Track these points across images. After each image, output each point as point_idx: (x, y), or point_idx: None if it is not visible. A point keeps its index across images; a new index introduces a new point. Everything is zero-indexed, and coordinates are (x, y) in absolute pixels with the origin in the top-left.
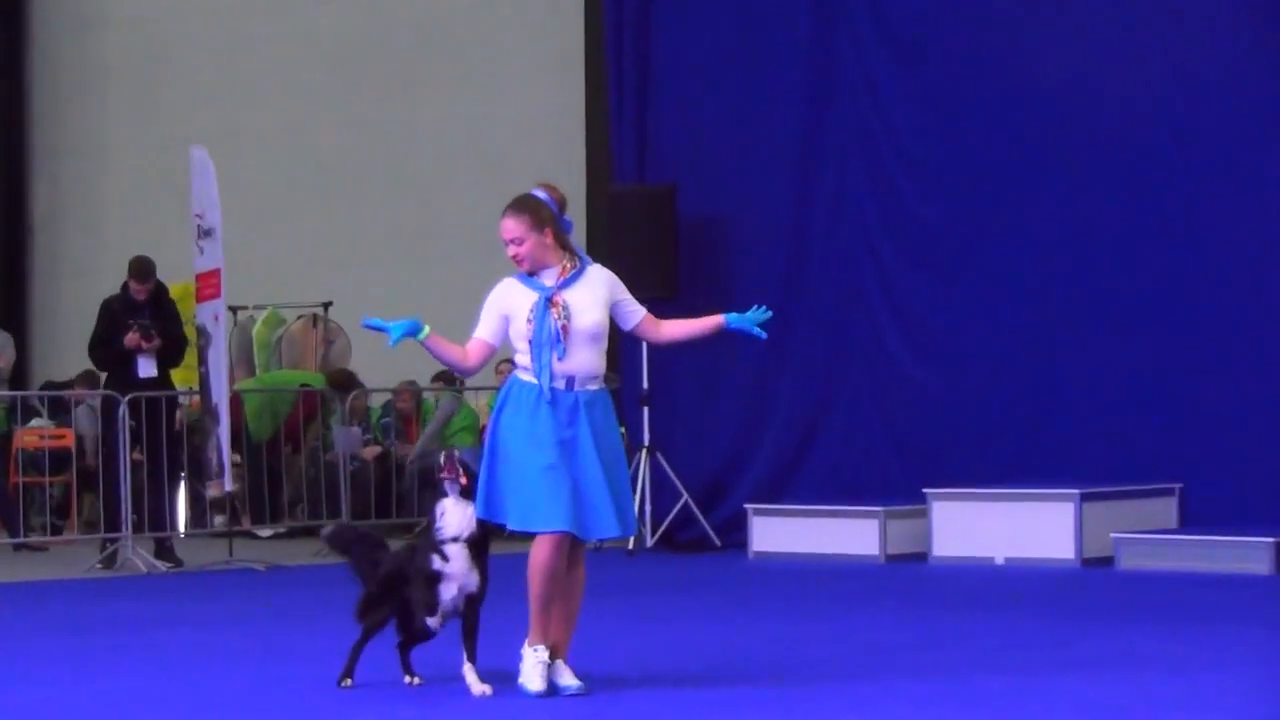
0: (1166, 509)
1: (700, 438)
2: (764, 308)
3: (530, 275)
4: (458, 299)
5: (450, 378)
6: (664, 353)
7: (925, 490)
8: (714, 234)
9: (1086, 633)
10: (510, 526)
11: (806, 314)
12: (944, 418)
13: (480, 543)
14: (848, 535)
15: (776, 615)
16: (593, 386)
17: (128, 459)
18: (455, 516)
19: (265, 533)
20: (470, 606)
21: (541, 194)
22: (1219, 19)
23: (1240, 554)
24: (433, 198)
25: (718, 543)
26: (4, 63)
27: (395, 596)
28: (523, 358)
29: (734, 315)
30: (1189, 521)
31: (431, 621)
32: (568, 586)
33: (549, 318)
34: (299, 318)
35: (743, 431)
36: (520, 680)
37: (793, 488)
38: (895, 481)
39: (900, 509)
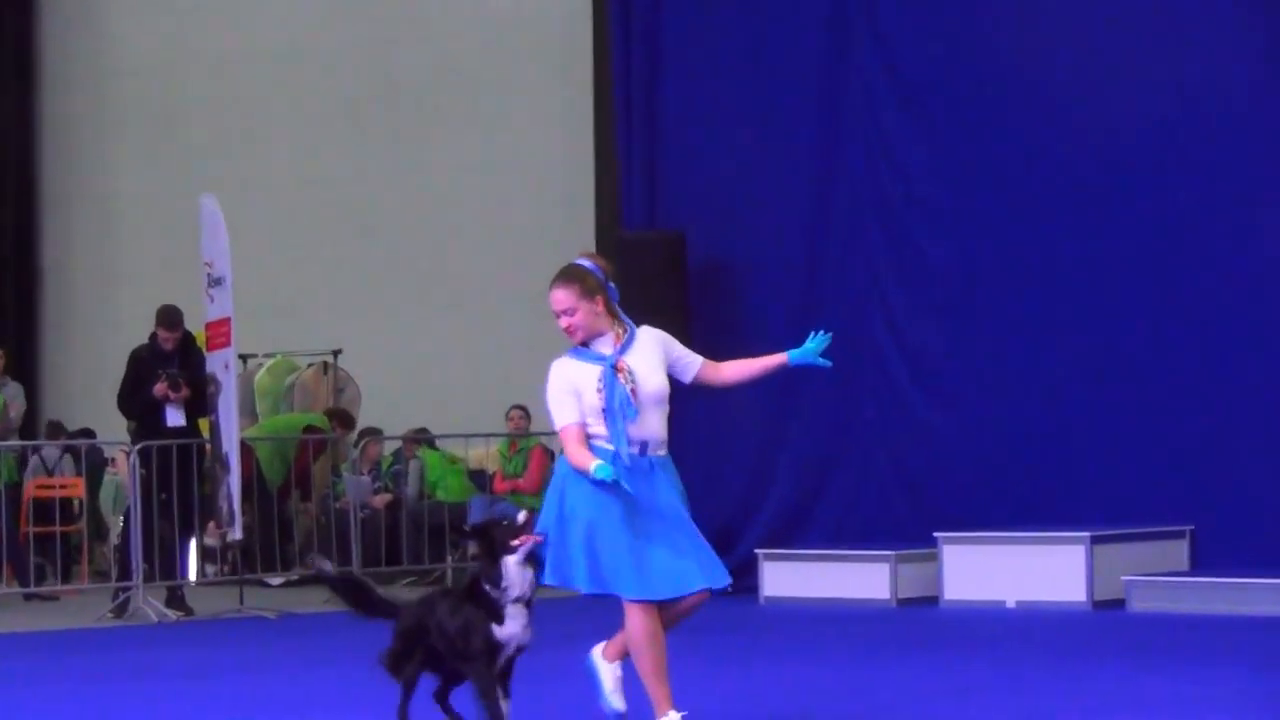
0: (1178, 551)
1: (711, 483)
2: (822, 333)
3: (583, 346)
4: (467, 344)
5: (422, 434)
6: (673, 397)
7: (936, 534)
8: (724, 280)
9: (1100, 678)
10: (585, 590)
11: None
12: (954, 461)
13: (531, 600)
14: (859, 579)
15: (791, 662)
16: (662, 452)
17: (139, 508)
18: (518, 579)
19: (276, 580)
20: (510, 660)
21: (587, 263)
22: (1233, 55)
23: (1253, 596)
24: (442, 244)
25: (729, 589)
26: (16, 110)
27: (421, 648)
28: (596, 428)
29: (795, 351)
30: (1200, 563)
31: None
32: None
33: (618, 384)
34: (309, 365)
35: (753, 476)
36: None
37: (803, 532)
38: (906, 525)
39: (911, 552)
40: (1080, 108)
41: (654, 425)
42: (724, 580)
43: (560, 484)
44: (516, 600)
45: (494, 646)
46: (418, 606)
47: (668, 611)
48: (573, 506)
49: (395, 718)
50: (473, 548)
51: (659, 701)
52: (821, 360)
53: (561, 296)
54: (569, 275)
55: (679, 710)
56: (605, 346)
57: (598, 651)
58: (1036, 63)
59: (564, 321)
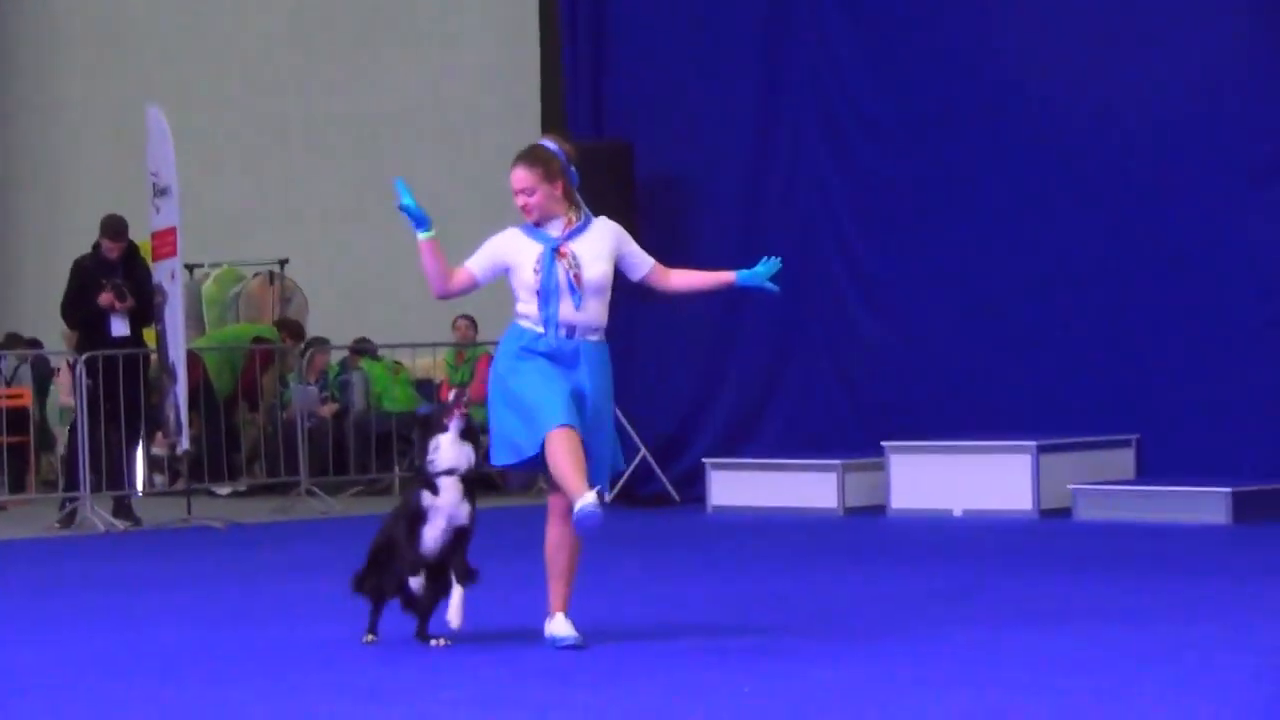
0: (1124, 460)
1: (658, 393)
2: (773, 258)
3: (536, 226)
4: (413, 254)
5: (364, 346)
6: (618, 310)
7: (883, 443)
8: (672, 192)
9: (1047, 585)
10: (528, 454)
11: None
12: (901, 372)
13: (473, 483)
14: (806, 489)
15: (738, 571)
16: (593, 337)
17: (85, 419)
18: (451, 451)
19: (223, 490)
20: (460, 539)
21: (552, 145)
22: None
23: (1197, 504)
24: (388, 156)
25: (676, 497)
26: None
27: (388, 561)
28: (526, 306)
29: (744, 272)
30: (1146, 472)
31: (414, 583)
32: (565, 542)
33: (556, 268)
34: (255, 275)
35: (700, 387)
36: (550, 633)
37: (751, 442)
38: (853, 435)
39: (858, 462)
40: (1030, 28)
41: (590, 312)
42: (620, 466)
43: (494, 369)
44: (448, 472)
45: (420, 512)
46: (387, 520)
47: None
48: (509, 384)
49: (365, 632)
50: (416, 435)
51: (575, 488)
52: (770, 285)
53: (522, 175)
54: (533, 156)
55: (593, 488)
56: (555, 229)
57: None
58: None
59: (520, 200)
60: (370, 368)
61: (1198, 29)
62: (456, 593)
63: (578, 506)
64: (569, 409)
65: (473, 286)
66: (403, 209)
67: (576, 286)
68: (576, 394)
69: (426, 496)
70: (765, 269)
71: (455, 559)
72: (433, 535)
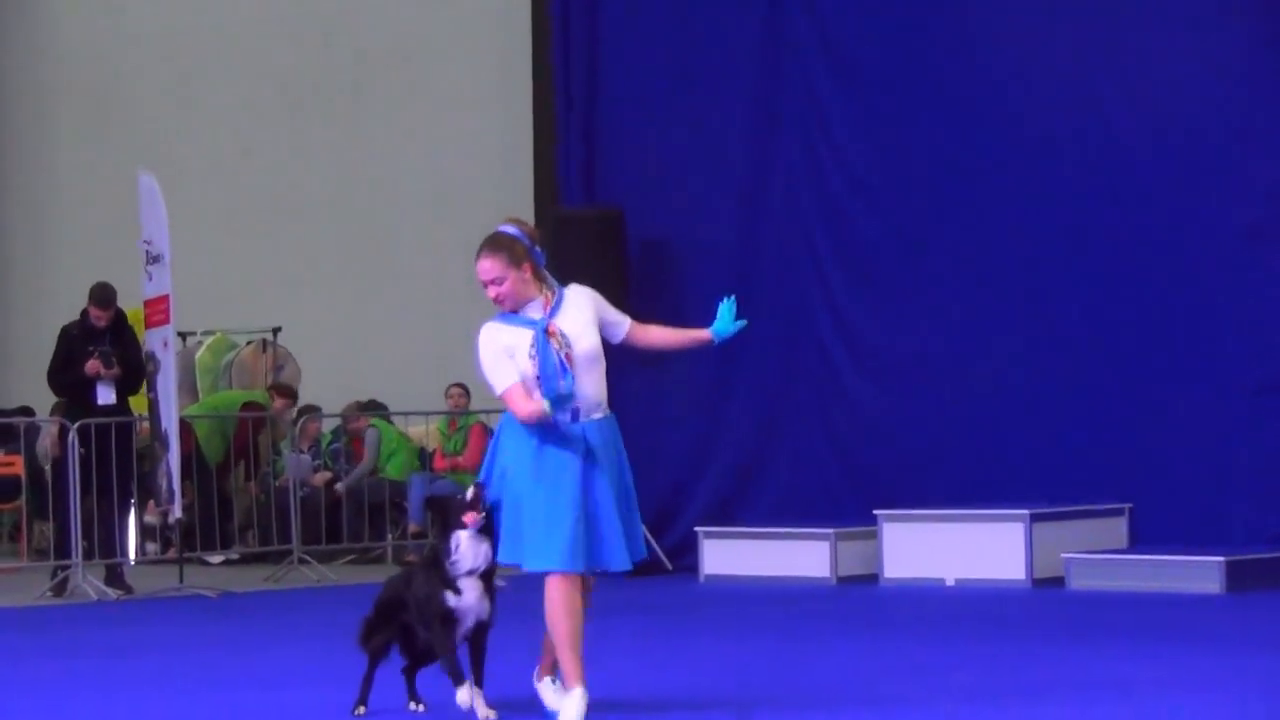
0: (1116, 529)
1: (649, 460)
2: (727, 299)
3: (513, 313)
4: (406, 322)
5: (378, 406)
6: (611, 374)
7: (875, 512)
8: (663, 257)
9: (1040, 657)
10: (526, 568)
11: (755, 337)
12: (893, 439)
13: (489, 573)
14: (799, 557)
15: (730, 640)
16: (598, 415)
17: (78, 486)
18: (470, 550)
19: (215, 559)
20: (480, 633)
21: (511, 229)
22: (1168, 34)
23: (1191, 573)
24: (381, 222)
25: (669, 566)
26: None
27: (395, 622)
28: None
29: (716, 326)
30: (1139, 541)
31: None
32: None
33: (551, 349)
34: (248, 343)
35: (692, 454)
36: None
37: (743, 510)
38: (845, 503)
39: (851, 530)
40: (1017, 88)
41: (588, 388)
42: (641, 554)
43: (491, 459)
44: (469, 573)
45: (449, 615)
46: (397, 579)
47: (586, 580)
48: (512, 484)
49: (360, 686)
50: (429, 519)
51: (569, 674)
52: (739, 323)
53: (489, 266)
54: (495, 244)
55: (587, 689)
56: (535, 311)
57: (535, 678)
58: (974, 41)
59: (492, 291)
60: (383, 428)
61: (1189, 91)
62: (478, 693)
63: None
64: (577, 545)
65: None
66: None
67: (568, 366)
68: (585, 486)
69: (450, 598)
70: (726, 312)
71: (474, 652)
72: (463, 630)
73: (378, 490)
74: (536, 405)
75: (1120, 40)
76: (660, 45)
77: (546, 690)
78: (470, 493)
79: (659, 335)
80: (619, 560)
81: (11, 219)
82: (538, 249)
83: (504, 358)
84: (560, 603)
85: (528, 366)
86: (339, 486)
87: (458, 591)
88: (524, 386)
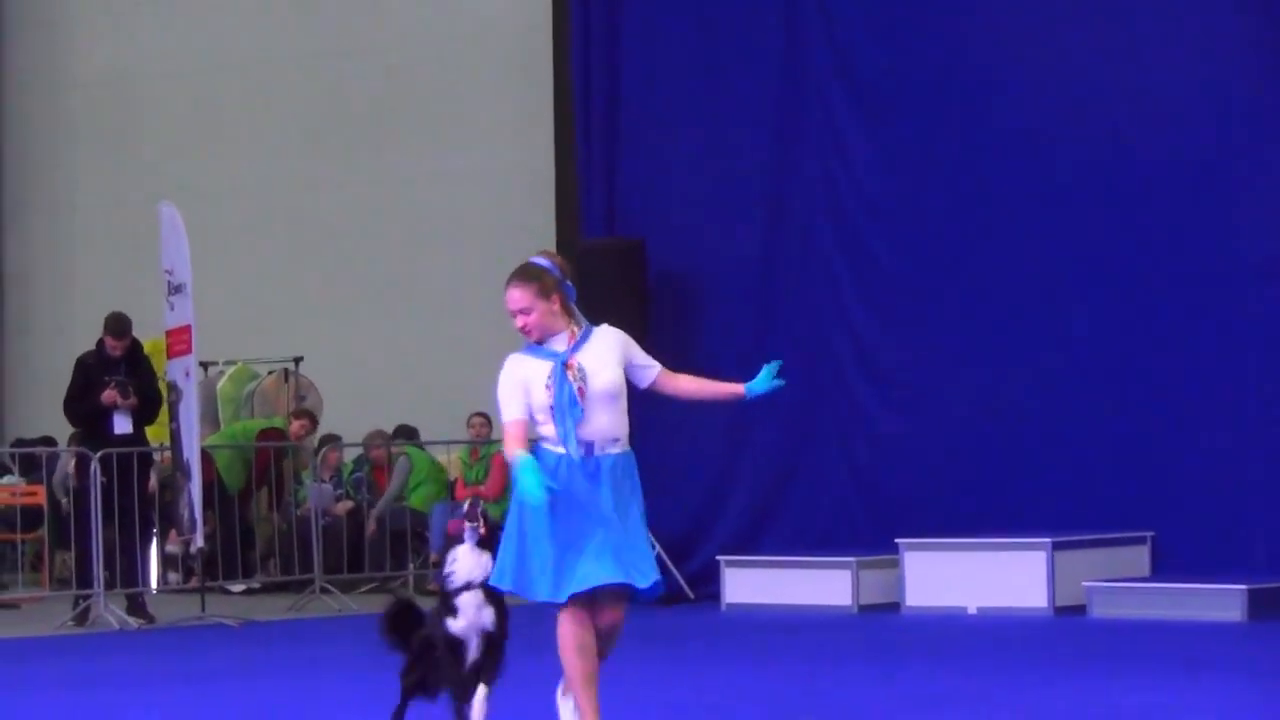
0: (1138, 557)
1: (671, 489)
2: (773, 362)
3: (538, 344)
4: (428, 352)
5: (409, 432)
6: (633, 401)
7: (897, 540)
8: (683, 288)
9: (1063, 685)
10: (538, 598)
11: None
12: (914, 468)
13: (495, 591)
14: (820, 586)
15: (751, 669)
16: (614, 450)
17: (99, 515)
18: (467, 564)
19: (237, 588)
20: (489, 645)
21: (544, 261)
22: (1187, 71)
23: (1213, 601)
24: (403, 252)
25: (690, 595)
26: None
27: (428, 658)
28: (544, 428)
29: (751, 384)
30: (1161, 569)
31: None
32: (589, 646)
33: (566, 382)
34: (270, 373)
35: (714, 483)
36: None
37: (765, 539)
38: (867, 532)
39: (872, 559)
40: (1037, 118)
41: (603, 424)
42: (645, 580)
43: (516, 496)
44: (466, 588)
45: (452, 641)
46: (431, 615)
47: (599, 622)
48: (528, 517)
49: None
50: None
51: (586, 713)
52: (776, 383)
53: (518, 296)
54: (526, 274)
55: None
56: (559, 344)
57: (559, 692)
58: (993, 72)
59: (519, 321)
60: (414, 455)
61: (1209, 119)
62: (480, 692)
63: None
64: (567, 580)
65: (527, 427)
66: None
67: (579, 399)
68: (596, 519)
69: (450, 624)
70: (767, 373)
71: (486, 664)
72: (471, 648)
73: (399, 518)
74: (512, 453)
75: (1142, 72)
76: (680, 78)
77: (566, 709)
78: (466, 505)
79: (688, 385)
80: (632, 575)
81: (33, 249)
82: (568, 283)
83: (518, 391)
84: (569, 640)
85: (544, 398)
86: (373, 515)
87: (455, 613)
88: (523, 427)
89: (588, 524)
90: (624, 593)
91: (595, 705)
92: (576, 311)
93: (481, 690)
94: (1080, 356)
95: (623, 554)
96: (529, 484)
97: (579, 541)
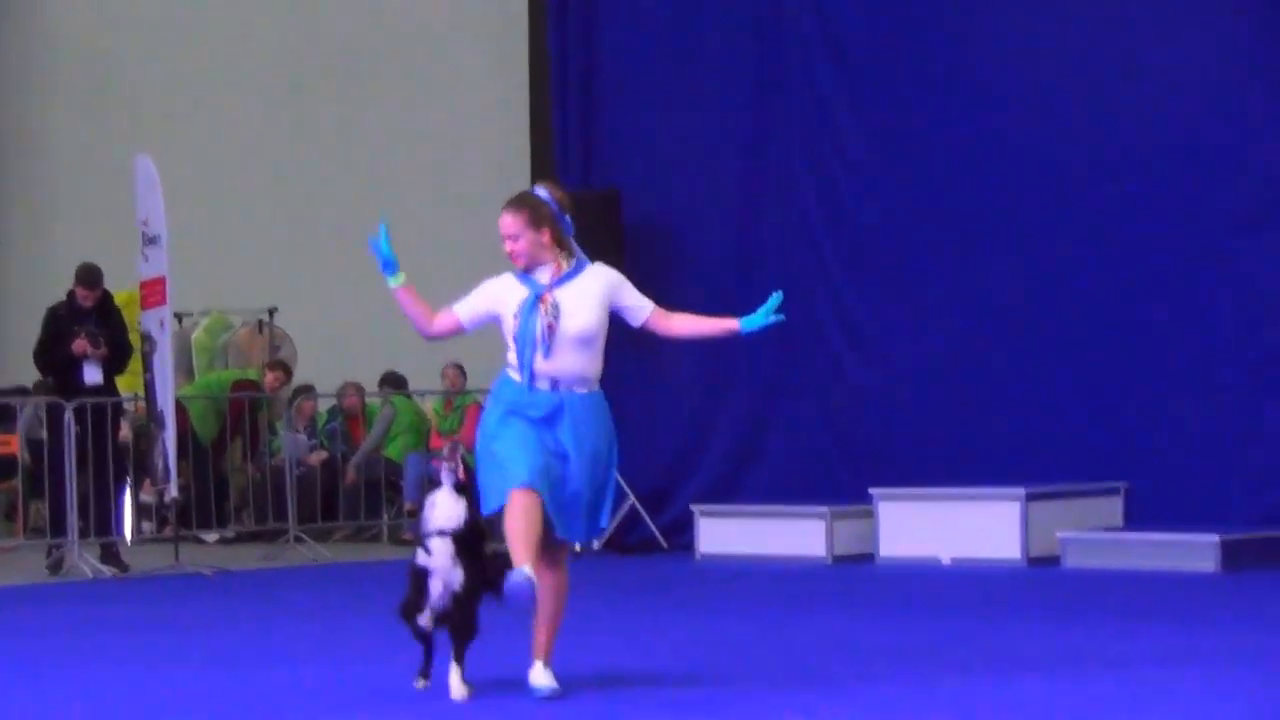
0: (1112, 508)
1: (647, 440)
2: (774, 295)
3: (526, 273)
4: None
5: (396, 382)
6: (608, 356)
7: (871, 490)
8: (659, 238)
9: (1036, 635)
10: (490, 507)
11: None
12: (889, 419)
13: (470, 540)
14: (794, 536)
15: (725, 619)
16: (580, 390)
17: (73, 465)
18: (444, 509)
19: (211, 537)
20: (457, 605)
21: (543, 192)
22: (1167, 29)
23: (1186, 552)
24: (378, 204)
25: (665, 544)
26: None
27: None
28: (511, 355)
29: (747, 319)
30: (1134, 520)
31: (422, 620)
32: (548, 589)
33: (535, 315)
34: (244, 324)
35: (689, 434)
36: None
37: (739, 489)
38: (841, 482)
39: (846, 509)
40: (1018, 69)
41: (571, 363)
42: (596, 534)
43: (481, 422)
44: (439, 533)
45: (418, 570)
46: None
47: (559, 552)
48: (489, 438)
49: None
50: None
51: (518, 557)
52: (776, 317)
53: (509, 221)
54: (520, 202)
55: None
56: (544, 276)
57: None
58: (972, 29)
59: (508, 246)
60: (401, 405)
61: (1187, 75)
62: (454, 670)
63: (511, 575)
64: (535, 468)
65: (458, 331)
66: (373, 248)
67: (548, 336)
68: (558, 453)
69: (421, 555)
70: (766, 307)
71: (452, 625)
72: (435, 592)
73: (375, 468)
74: (428, 323)
75: (1122, 29)
76: (659, 27)
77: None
78: (446, 448)
79: (683, 324)
80: (574, 533)
81: (9, 202)
82: (566, 217)
83: (481, 298)
84: (517, 507)
85: (512, 325)
86: (352, 463)
87: (428, 552)
88: (447, 315)
89: (541, 443)
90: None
91: (532, 556)
92: (574, 246)
93: (455, 669)
94: (1056, 310)
95: (592, 507)
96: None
97: (534, 447)
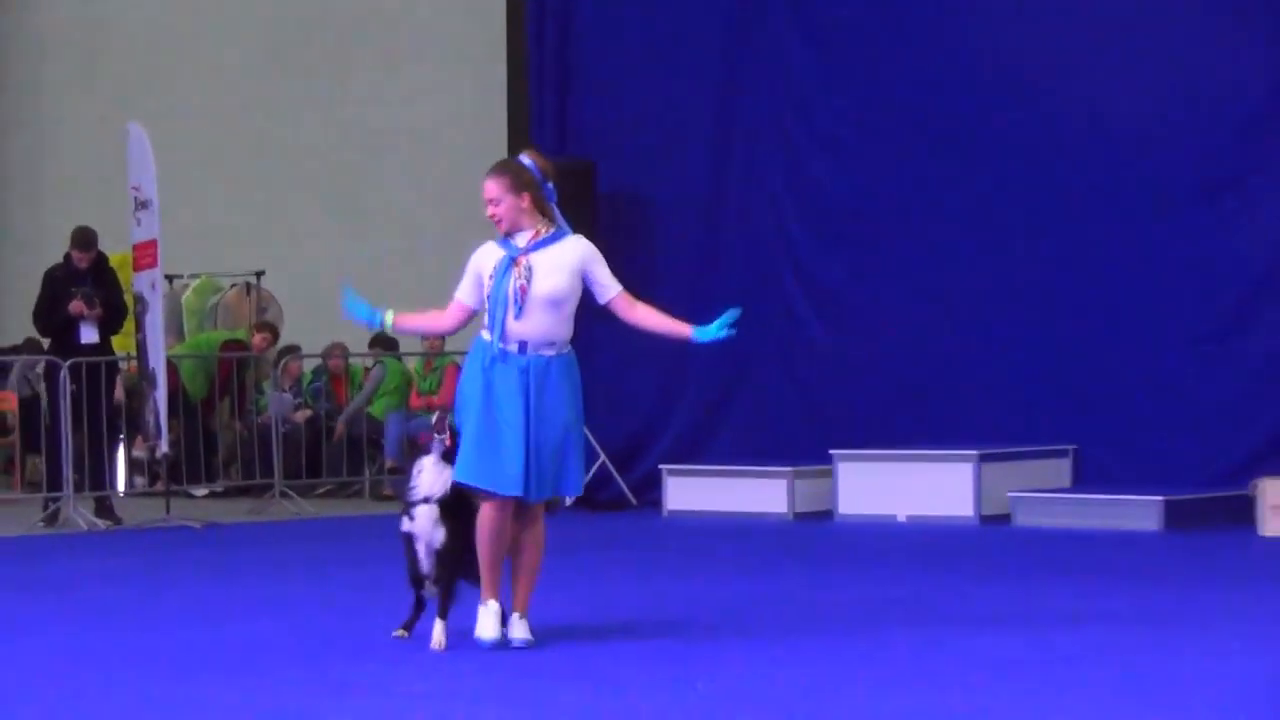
0: (1060, 469)
1: (618, 401)
2: (733, 310)
3: (507, 237)
4: (384, 268)
5: (387, 343)
6: (577, 319)
7: (832, 451)
8: (633, 209)
9: (985, 589)
10: (457, 479)
11: (721, 285)
12: (849, 383)
13: (454, 504)
14: (758, 494)
15: (691, 574)
16: (548, 352)
17: (69, 422)
18: (429, 477)
19: (200, 492)
20: (440, 563)
21: (526, 160)
22: (1125, 15)
23: (1130, 512)
24: (360, 171)
25: (634, 501)
26: None
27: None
28: (485, 316)
29: (700, 330)
30: (1082, 481)
31: (425, 593)
32: (525, 543)
33: (509, 277)
34: (233, 286)
35: (659, 395)
36: (475, 634)
37: (706, 450)
38: (804, 443)
39: (808, 469)
40: (978, 44)
41: (540, 325)
42: (568, 492)
43: (459, 383)
44: (424, 501)
45: (405, 536)
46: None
47: (533, 509)
48: (464, 402)
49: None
50: (408, 455)
51: (485, 588)
52: (727, 333)
53: (491, 186)
54: (503, 168)
55: (496, 602)
56: (522, 240)
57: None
58: (934, 8)
59: (489, 210)
60: (392, 366)
61: (1142, 55)
62: (438, 624)
63: (478, 619)
64: (510, 476)
65: (469, 315)
66: (351, 314)
67: (520, 298)
68: (524, 419)
69: (405, 522)
70: (722, 321)
71: (439, 581)
72: (420, 555)
73: (357, 425)
74: (440, 322)
75: (1086, 13)
76: (633, 4)
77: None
78: (435, 417)
79: (643, 315)
80: (543, 491)
81: (6, 168)
82: (549, 185)
83: (471, 274)
84: (485, 525)
85: (488, 286)
86: (341, 419)
87: (411, 519)
88: (457, 309)
89: (505, 425)
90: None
91: (495, 585)
92: (556, 213)
93: (439, 624)
94: (1009, 277)
95: (562, 466)
96: (349, 306)
97: (496, 439)
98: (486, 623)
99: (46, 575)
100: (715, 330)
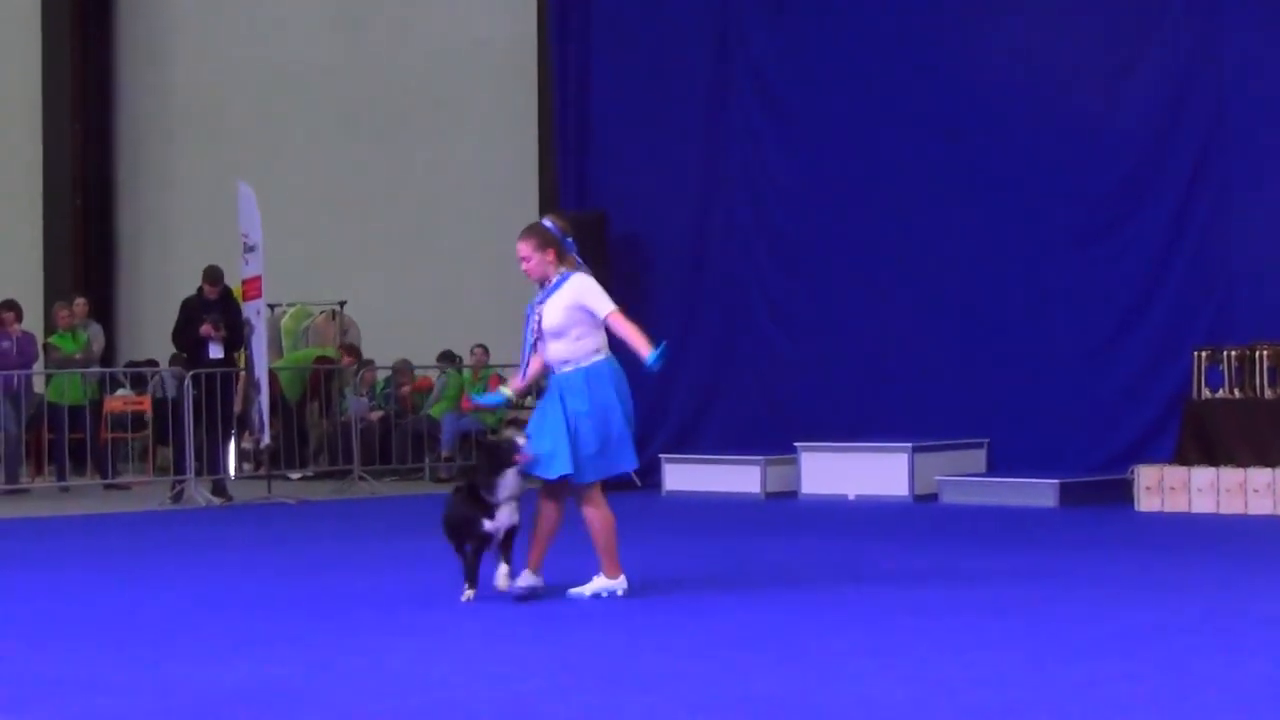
0: (977, 457)
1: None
2: (662, 344)
3: (541, 285)
4: (441, 297)
5: (451, 358)
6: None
7: (796, 443)
8: (636, 251)
9: (917, 552)
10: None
11: (706, 309)
12: (810, 388)
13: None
14: (737, 477)
15: (683, 539)
16: (565, 369)
17: (192, 420)
18: (511, 486)
19: (295, 475)
20: (509, 535)
21: (547, 222)
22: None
23: (1033, 492)
24: (421, 221)
25: (639, 483)
26: (98, 116)
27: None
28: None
29: (649, 357)
30: (994, 466)
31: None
32: (549, 518)
33: (530, 322)
34: (321, 313)
35: (658, 396)
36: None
37: (696, 441)
38: (772, 436)
39: (776, 458)
40: (901, 121)
41: (555, 351)
42: (548, 472)
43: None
44: (508, 499)
45: (484, 536)
46: (452, 496)
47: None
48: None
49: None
50: (478, 458)
51: (533, 557)
52: (657, 363)
53: (521, 247)
54: (529, 231)
55: (536, 574)
56: (541, 292)
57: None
58: (870, 86)
59: (523, 266)
60: (452, 377)
61: (1044, 108)
62: (502, 568)
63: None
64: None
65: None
66: (483, 403)
67: (536, 341)
68: (547, 425)
69: (487, 524)
70: (655, 354)
71: (505, 547)
72: (497, 539)
73: (419, 423)
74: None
75: (1003, 41)
76: (637, 84)
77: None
78: (520, 440)
79: (621, 331)
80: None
81: (141, 217)
82: (569, 239)
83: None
84: (539, 507)
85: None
86: (416, 418)
87: (493, 517)
88: (535, 358)
89: (542, 428)
90: (559, 482)
91: (539, 557)
92: (576, 259)
93: (503, 567)
94: (938, 301)
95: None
96: (481, 400)
97: (541, 440)
98: (528, 576)
99: (172, 538)
100: (654, 359)
